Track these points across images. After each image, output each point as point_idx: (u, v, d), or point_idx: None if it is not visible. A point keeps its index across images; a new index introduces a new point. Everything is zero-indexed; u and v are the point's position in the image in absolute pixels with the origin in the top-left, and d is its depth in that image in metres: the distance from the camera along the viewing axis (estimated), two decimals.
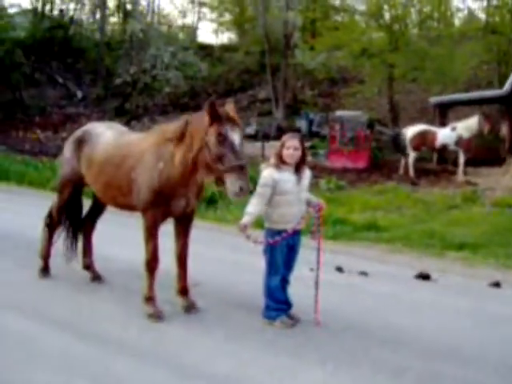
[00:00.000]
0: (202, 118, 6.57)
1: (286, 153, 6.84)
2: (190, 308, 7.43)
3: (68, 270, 8.91)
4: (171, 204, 7.02)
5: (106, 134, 8.07)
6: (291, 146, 6.83)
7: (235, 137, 6.41)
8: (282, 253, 7.03)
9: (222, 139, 6.34)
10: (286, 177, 6.89)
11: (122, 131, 8.34)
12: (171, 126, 7.14)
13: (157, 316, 7.11)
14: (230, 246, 11.25)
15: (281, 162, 6.89)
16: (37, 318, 7.15)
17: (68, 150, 8.46)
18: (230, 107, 6.63)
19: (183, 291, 7.55)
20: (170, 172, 6.86)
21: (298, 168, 6.96)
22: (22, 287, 8.34)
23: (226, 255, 10.54)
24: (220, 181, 6.58)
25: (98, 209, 8.81)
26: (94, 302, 7.78)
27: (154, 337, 6.67)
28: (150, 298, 7.21)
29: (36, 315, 7.24)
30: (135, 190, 7.17)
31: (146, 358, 6.12)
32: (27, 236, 10.65)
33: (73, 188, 8.48)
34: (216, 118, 6.39)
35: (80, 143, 8.23)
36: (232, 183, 6.31)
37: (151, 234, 7.10)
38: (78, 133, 8.49)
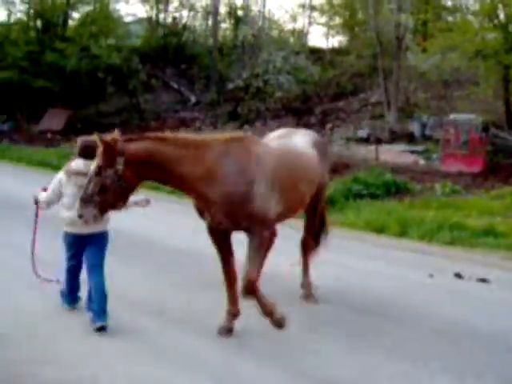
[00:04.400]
0: None
1: None
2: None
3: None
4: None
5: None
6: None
7: None
8: None
9: None
10: None
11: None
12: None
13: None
14: (344, 249, 11.39)
15: None
16: (160, 317, 7.53)
17: None
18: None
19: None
20: None
21: None
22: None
23: (340, 260, 10.68)
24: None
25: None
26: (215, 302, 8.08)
27: (274, 340, 6.90)
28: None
29: (159, 315, 7.64)
30: None
31: (266, 359, 6.37)
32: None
33: None
34: None
35: None
36: None
37: None
38: None
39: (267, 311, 6.94)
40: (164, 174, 6.59)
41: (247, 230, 6.82)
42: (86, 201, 6.35)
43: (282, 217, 7.30)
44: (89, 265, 7.47)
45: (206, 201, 6.73)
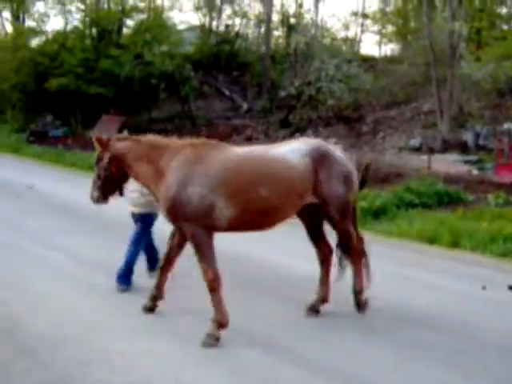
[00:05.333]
0: None
1: None
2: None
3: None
4: None
5: None
6: None
7: None
8: None
9: None
10: None
11: None
12: None
13: None
14: (395, 259, 11.40)
15: None
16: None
17: None
18: None
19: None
20: None
21: None
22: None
23: (391, 269, 10.67)
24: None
25: None
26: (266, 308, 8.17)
27: (324, 347, 6.95)
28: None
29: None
30: None
31: (313, 367, 6.42)
32: None
33: None
34: None
35: None
36: None
37: None
38: None
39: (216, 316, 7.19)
40: (131, 171, 7.77)
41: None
42: (92, 184, 7.94)
43: (241, 221, 7.47)
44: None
45: (157, 199, 7.68)
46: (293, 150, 7.72)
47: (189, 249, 7.53)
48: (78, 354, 6.56)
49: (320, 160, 7.71)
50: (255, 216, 7.51)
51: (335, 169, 7.75)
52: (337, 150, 8.09)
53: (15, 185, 19.59)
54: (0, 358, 6.46)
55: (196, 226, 7.18)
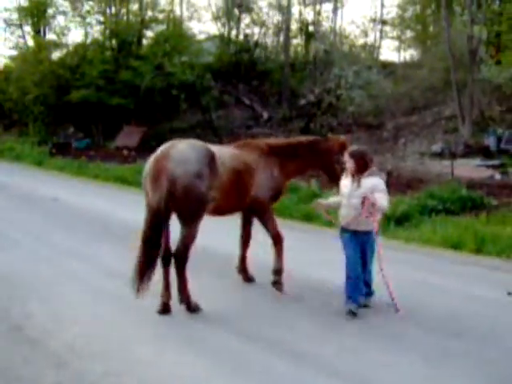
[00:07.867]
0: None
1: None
2: None
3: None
4: None
5: None
6: (345, 159, 8.64)
7: None
8: (353, 249, 8.33)
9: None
10: (346, 183, 8.54)
11: None
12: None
13: None
14: (419, 266, 11.38)
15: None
16: (241, 333, 7.61)
17: None
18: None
19: None
20: None
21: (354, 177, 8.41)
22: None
23: (415, 276, 10.66)
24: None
25: None
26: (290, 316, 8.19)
27: (352, 356, 6.92)
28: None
29: (240, 331, 7.73)
30: None
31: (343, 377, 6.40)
32: None
33: None
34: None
35: None
36: None
37: None
38: None
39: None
40: None
41: None
42: None
43: None
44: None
45: None
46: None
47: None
48: (107, 366, 6.58)
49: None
50: None
51: (165, 170, 8.03)
52: (178, 152, 8.21)
53: (39, 197, 19.76)
54: (31, 369, 6.50)
55: None
